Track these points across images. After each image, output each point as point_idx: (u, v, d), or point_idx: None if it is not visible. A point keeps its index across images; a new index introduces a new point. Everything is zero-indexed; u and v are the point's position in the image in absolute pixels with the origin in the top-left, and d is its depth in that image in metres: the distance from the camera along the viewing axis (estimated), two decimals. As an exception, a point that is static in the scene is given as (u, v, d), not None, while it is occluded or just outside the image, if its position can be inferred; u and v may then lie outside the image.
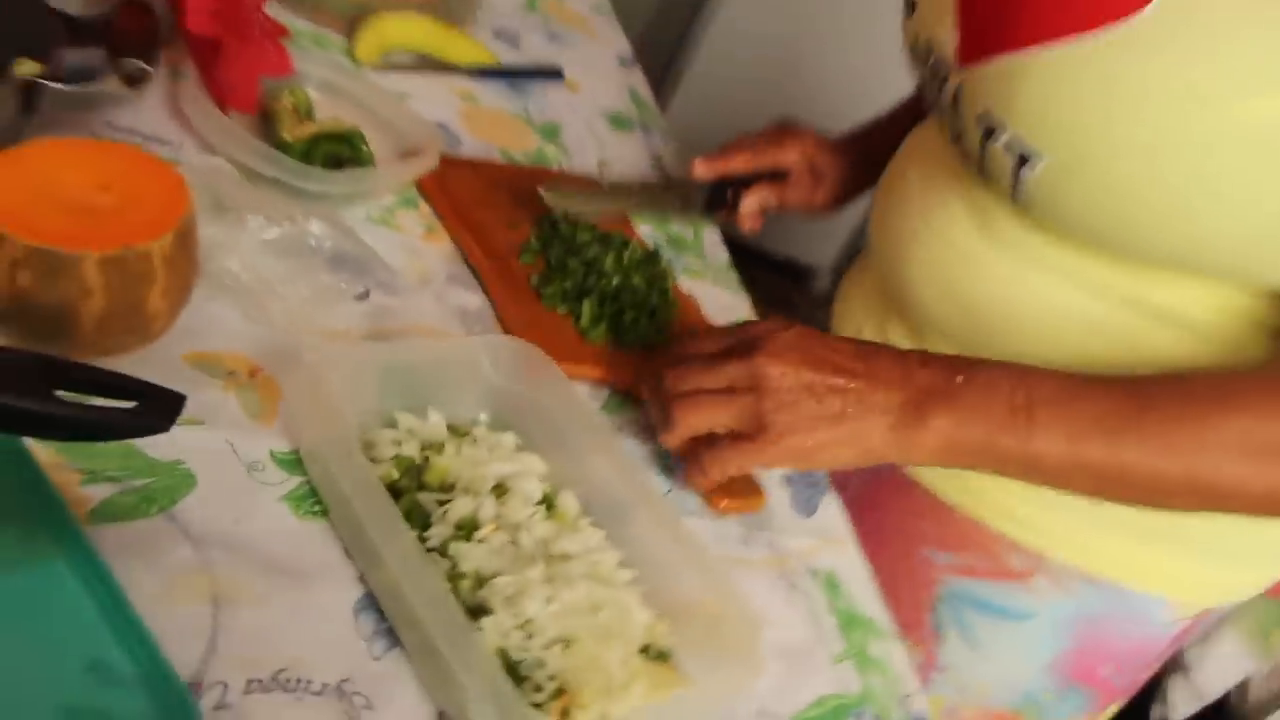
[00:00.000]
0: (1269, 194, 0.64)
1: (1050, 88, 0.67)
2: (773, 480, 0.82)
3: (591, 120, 1.21)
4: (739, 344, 0.70)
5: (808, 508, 0.83)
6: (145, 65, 0.67)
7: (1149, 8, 0.62)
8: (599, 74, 1.33)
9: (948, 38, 0.76)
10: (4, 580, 0.48)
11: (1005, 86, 0.70)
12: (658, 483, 0.76)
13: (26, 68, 0.66)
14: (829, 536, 0.82)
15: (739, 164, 1.01)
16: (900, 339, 0.87)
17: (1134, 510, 0.74)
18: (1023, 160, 0.69)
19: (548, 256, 0.89)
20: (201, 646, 0.51)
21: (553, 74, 1.24)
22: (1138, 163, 0.65)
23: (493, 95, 1.15)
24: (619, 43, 1.47)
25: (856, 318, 0.94)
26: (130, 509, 0.55)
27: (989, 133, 0.71)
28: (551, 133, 1.14)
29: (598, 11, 1.53)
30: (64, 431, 0.48)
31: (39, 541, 0.50)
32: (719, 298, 1.01)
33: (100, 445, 0.57)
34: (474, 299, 0.83)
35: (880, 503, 0.91)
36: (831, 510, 0.84)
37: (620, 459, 0.68)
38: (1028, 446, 0.66)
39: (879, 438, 0.67)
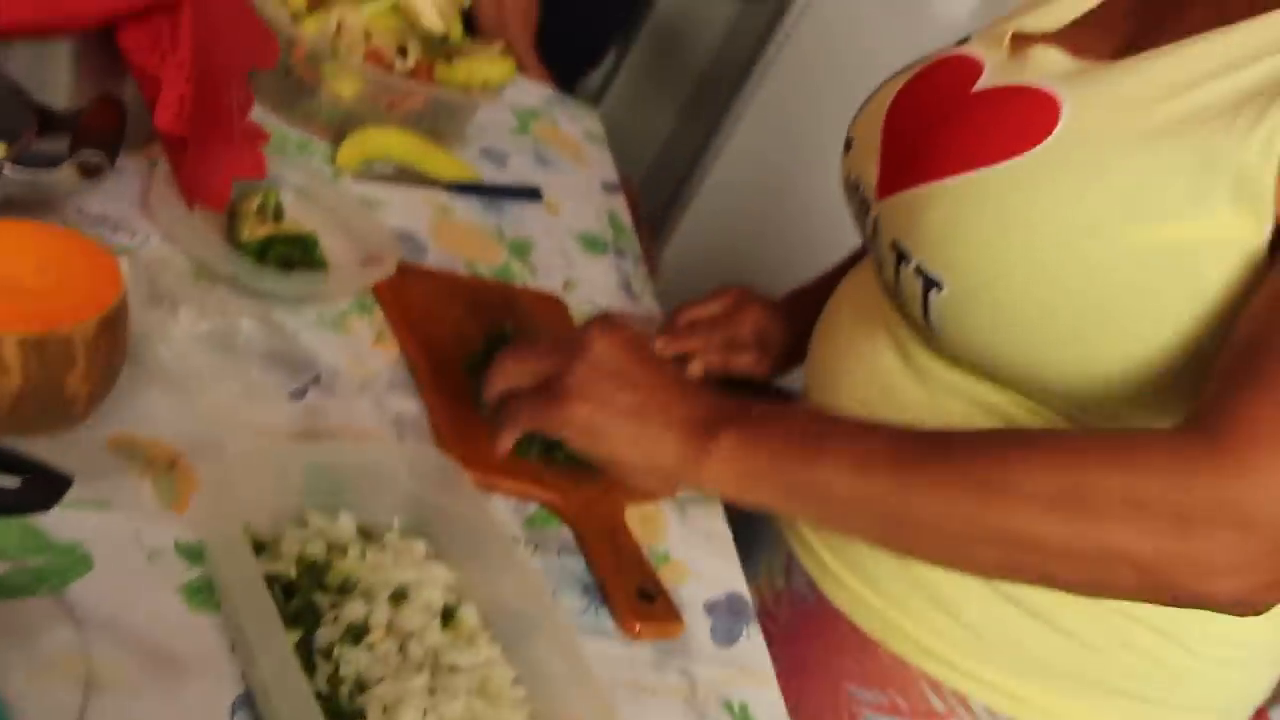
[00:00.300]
0: (1154, 322, 0.66)
1: (950, 216, 0.71)
2: (695, 608, 0.82)
3: (564, 240, 1.24)
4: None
5: (728, 637, 0.82)
6: (104, 157, 0.69)
7: (1041, 145, 0.67)
8: (580, 197, 1.37)
9: (872, 173, 0.81)
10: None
11: (912, 216, 0.74)
12: (572, 603, 0.76)
13: (-7, 151, 0.69)
14: (747, 667, 0.81)
15: (695, 345, 1.04)
16: None
17: (1062, 656, 0.74)
18: (929, 286, 0.72)
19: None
20: (65, 731, 0.51)
21: (531, 194, 1.27)
22: (1029, 289, 0.67)
23: (468, 210, 1.18)
24: (606, 170, 1.51)
25: None
26: (19, 587, 0.55)
27: (900, 259, 0.75)
28: (521, 249, 1.17)
29: (590, 139, 1.57)
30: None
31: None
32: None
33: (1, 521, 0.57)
34: (411, 406, 0.84)
35: (804, 635, 0.90)
36: (753, 641, 0.84)
37: (529, 576, 0.68)
38: (813, 473, 0.64)
39: (670, 450, 0.67)
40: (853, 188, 0.85)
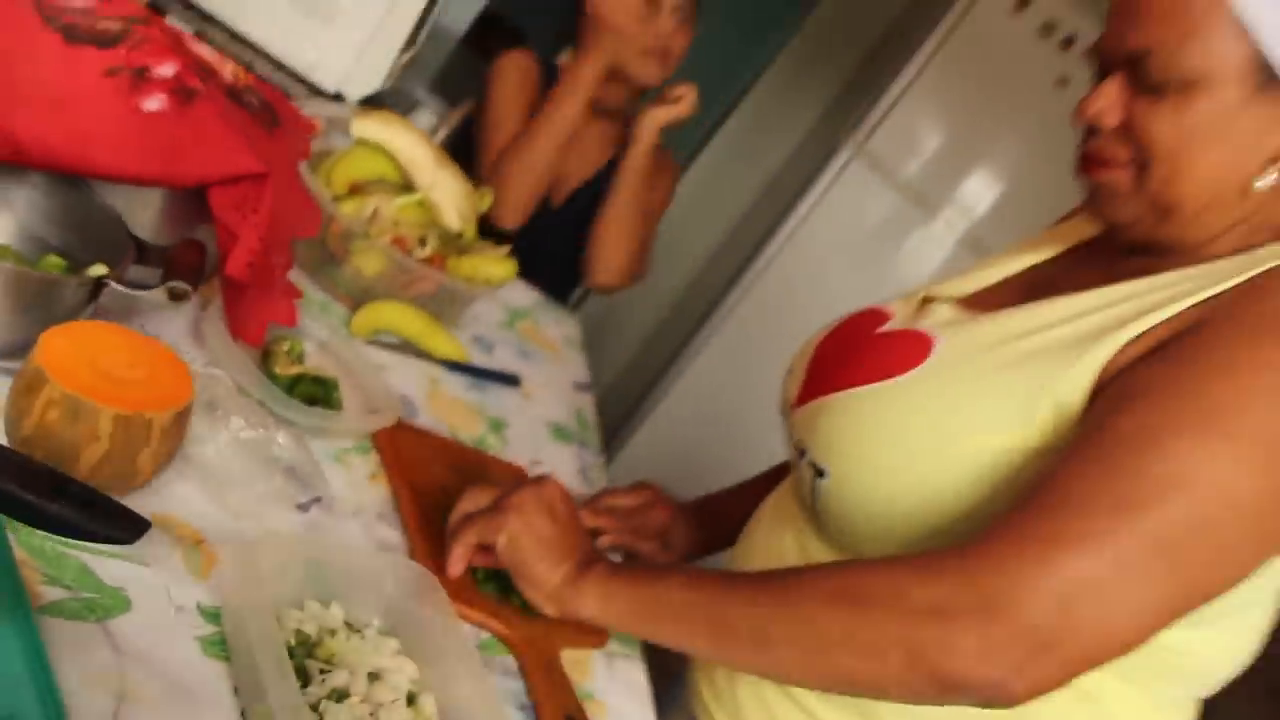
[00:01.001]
0: (981, 513, 0.82)
1: (835, 419, 0.90)
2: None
3: (536, 425, 1.40)
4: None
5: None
6: (187, 287, 0.85)
7: (910, 372, 0.87)
8: (554, 390, 1.54)
9: (795, 391, 1.00)
10: (-35, 633, 0.60)
11: (812, 420, 0.93)
12: (511, 715, 0.88)
13: (97, 269, 0.85)
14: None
15: (606, 523, 1.18)
16: None
17: None
18: (817, 474, 0.90)
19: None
20: (100, 728, 0.62)
21: (511, 380, 1.44)
22: (887, 477, 0.85)
23: (456, 385, 1.34)
24: (579, 371, 1.68)
25: None
26: (74, 612, 0.67)
27: (801, 455, 0.93)
28: (498, 426, 1.32)
29: (568, 343, 1.76)
30: (52, 526, 0.62)
31: (-2, 613, 0.63)
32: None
33: (64, 558, 0.70)
34: (394, 537, 0.98)
35: None
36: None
37: (483, 685, 0.80)
38: (654, 590, 0.85)
39: (559, 574, 0.90)
40: (783, 404, 1.04)
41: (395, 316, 1.31)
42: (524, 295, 1.81)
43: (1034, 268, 1.02)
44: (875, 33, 3.91)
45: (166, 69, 0.93)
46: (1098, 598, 0.71)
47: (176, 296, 0.84)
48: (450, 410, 1.28)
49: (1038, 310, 0.88)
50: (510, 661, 0.93)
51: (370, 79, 1.73)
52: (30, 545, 0.69)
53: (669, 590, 0.84)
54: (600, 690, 0.98)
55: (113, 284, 0.83)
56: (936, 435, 0.84)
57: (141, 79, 0.91)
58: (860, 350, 0.97)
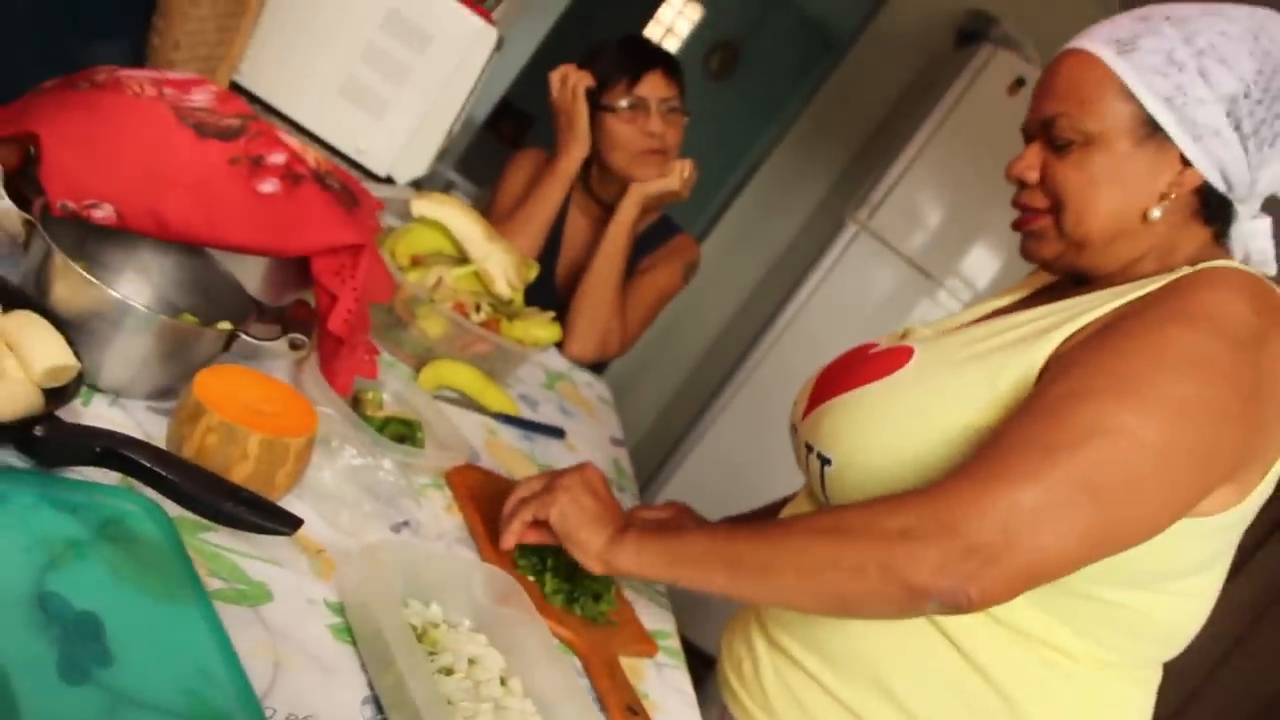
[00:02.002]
0: None
1: (837, 415, 1.08)
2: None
3: (580, 471, 1.54)
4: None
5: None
6: (305, 339, 1.01)
7: (894, 374, 1.06)
8: (593, 443, 1.69)
9: (802, 410, 1.18)
10: (162, 606, 0.75)
11: (818, 421, 1.12)
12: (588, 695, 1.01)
13: (224, 325, 1.01)
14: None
15: None
16: (760, 646, 1.19)
17: None
18: (824, 464, 1.07)
19: (526, 544, 1.18)
20: (264, 687, 0.76)
21: (557, 432, 1.59)
22: (880, 458, 1.02)
23: (509, 436, 1.50)
24: (613, 426, 1.84)
25: (732, 635, 1.26)
26: (233, 598, 0.82)
27: (809, 452, 1.11)
28: (548, 471, 1.47)
29: (602, 402, 1.91)
30: (229, 521, 0.77)
31: (179, 592, 0.77)
32: (647, 608, 1.29)
33: (219, 557, 0.85)
34: (471, 557, 1.12)
35: None
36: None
37: (563, 673, 0.93)
38: (679, 542, 1.01)
39: (602, 538, 1.05)
40: (792, 428, 1.22)
41: (456, 374, 1.46)
42: (559, 360, 1.97)
43: (1000, 308, 1.22)
44: (876, 115, 4.13)
45: (277, 157, 1.10)
46: (1032, 523, 0.87)
47: (296, 346, 1.00)
48: (506, 456, 1.43)
49: (997, 323, 1.08)
50: (576, 663, 1.07)
51: (417, 164, 1.91)
52: (193, 546, 0.84)
53: (690, 540, 1.01)
54: (652, 691, 1.12)
55: (243, 335, 0.98)
56: (920, 418, 1.02)
57: (258, 166, 1.08)
58: (853, 367, 1.15)
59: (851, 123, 4.13)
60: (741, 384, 3.52)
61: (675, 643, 1.25)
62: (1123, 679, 1.06)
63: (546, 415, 1.66)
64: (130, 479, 0.83)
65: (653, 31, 6.72)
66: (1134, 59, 1.00)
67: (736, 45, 6.56)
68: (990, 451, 0.91)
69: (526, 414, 1.59)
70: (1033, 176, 1.08)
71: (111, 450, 0.78)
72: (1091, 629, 1.03)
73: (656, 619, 1.28)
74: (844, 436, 1.07)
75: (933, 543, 0.87)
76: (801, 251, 3.88)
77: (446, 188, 3.28)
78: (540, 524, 1.11)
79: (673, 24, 7.04)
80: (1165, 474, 0.90)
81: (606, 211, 2.06)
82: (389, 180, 1.90)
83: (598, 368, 2.08)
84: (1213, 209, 1.04)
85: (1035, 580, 0.90)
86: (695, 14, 7.03)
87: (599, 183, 2.09)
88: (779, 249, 4.18)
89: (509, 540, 1.10)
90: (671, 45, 6.61)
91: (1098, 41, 1.03)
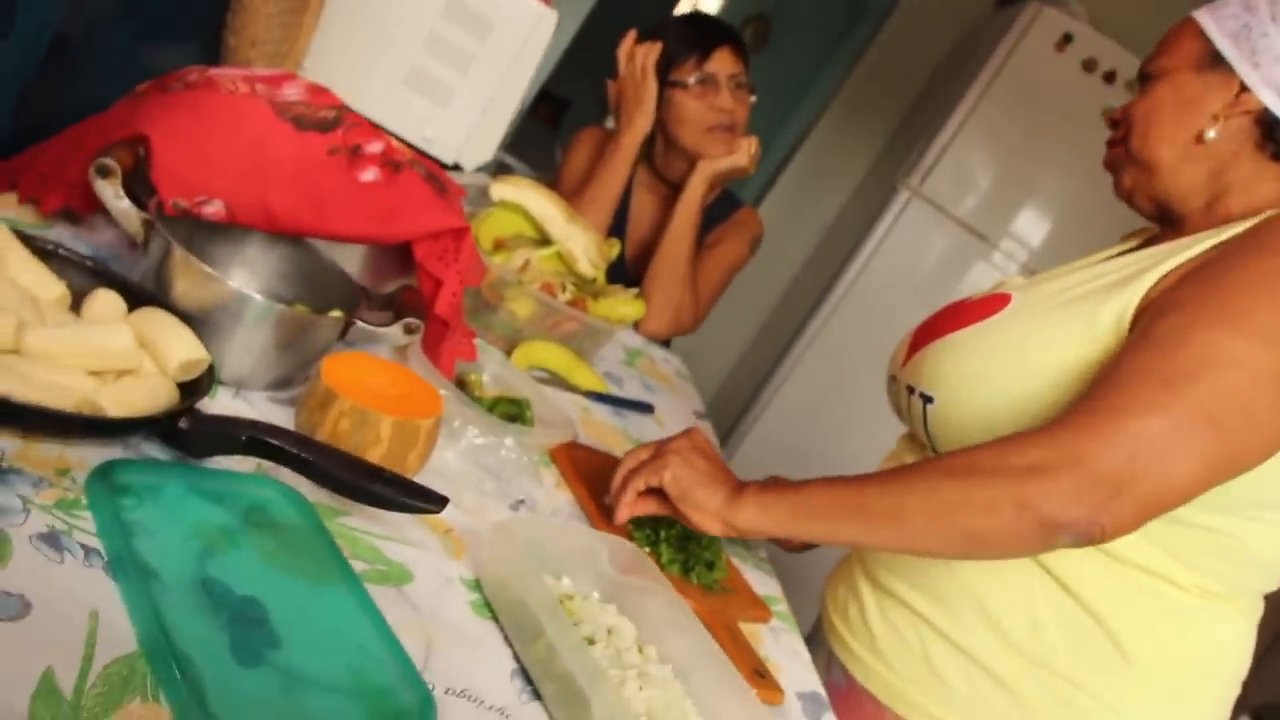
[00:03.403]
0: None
1: (939, 356, 1.11)
2: (789, 693, 1.07)
3: (672, 445, 1.55)
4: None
5: (814, 716, 1.07)
6: (420, 323, 1.02)
7: (995, 316, 1.09)
8: (679, 417, 1.69)
9: (902, 358, 1.21)
10: (315, 589, 0.76)
11: (919, 364, 1.14)
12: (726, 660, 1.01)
13: (336, 313, 1.02)
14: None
15: None
16: (866, 590, 1.21)
17: (1012, 711, 1.06)
18: (926, 402, 1.09)
19: (638, 516, 1.19)
20: (420, 663, 0.77)
21: (647, 408, 1.60)
22: (985, 393, 1.05)
23: (601, 412, 1.50)
24: (695, 400, 1.84)
25: (836, 582, 1.28)
26: (377, 579, 0.83)
27: (910, 393, 1.14)
28: (642, 446, 1.47)
29: (680, 376, 1.92)
30: (378, 501, 0.78)
31: (329, 575, 0.78)
32: (754, 575, 1.29)
33: (359, 540, 0.86)
34: (585, 528, 1.13)
35: (841, 710, 1.17)
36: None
37: (700, 639, 0.93)
38: (802, 494, 1.01)
39: (719, 497, 1.05)
40: (891, 379, 1.25)
41: (547, 354, 1.47)
42: (635, 337, 1.97)
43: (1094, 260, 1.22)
44: (919, 80, 4.09)
45: (375, 146, 1.11)
46: (1157, 451, 0.89)
47: (411, 331, 1.01)
48: (602, 433, 1.43)
49: (1094, 268, 1.11)
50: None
51: (483, 150, 1.92)
52: (333, 530, 0.85)
53: (813, 492, 1.01)
54: (771, 654, 1.12)
55: (359, 323, 0.99)
56: (1019, 354, 1.05)
57: (356, 155, 1.09)
58: (954, 314, 1.19)
59: (894, 90, 4.10)
60: (802, 353, 3.51)
61: (785, 607, 1.26)
62: (1223, 607, 1.06)
63: (631, 391, 1.67)
64: (264, 467, 0.85)
65: (682, 9, 6.70)
66: (1217, 11, 1.09)
67: (768, 18, 6.52)
68: (1109, 384, 0.92)
69: (614, 391, 1.60)
70: (1117, 114, 1.18)
71: (257, 439, 0.79)
72: (1190, 555, 1.04)
73: (765, 585, 1.28)
74: (946, 375, 1.10)
75: (1064, 475, 0.88)
76: (853, 219, 3.86)
77: (505, 171, 3.29)
78: (652, 492, 1.11)
79: (700, 0, 7.02)
80: (1278, 399, 0.91)
81: (672, 189, 2.06)
82: (457, 168, 1.91)
83: (665, 342, 2.09)
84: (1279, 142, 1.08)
85: (1162, 508, 0.91)
86: (725, -12, 6.99)
87: (664, 160, 2.09)
88: (829, 218, 4.16)
89: (624, 513, 1.10)
90: (703, 22, 6.56)
91: (1204, 7, 1.12)
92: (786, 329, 3.72)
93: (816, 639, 1.29)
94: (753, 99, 2.05)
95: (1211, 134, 1.08)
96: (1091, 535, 0.89)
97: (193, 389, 0.84)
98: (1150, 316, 0.98)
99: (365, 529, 0.88)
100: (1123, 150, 1.16)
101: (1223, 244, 1.02)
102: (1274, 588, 1.09)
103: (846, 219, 4.01)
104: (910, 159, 3.53)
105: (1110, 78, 3.30)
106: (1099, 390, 0.93)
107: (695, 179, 1.97)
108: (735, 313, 3.94)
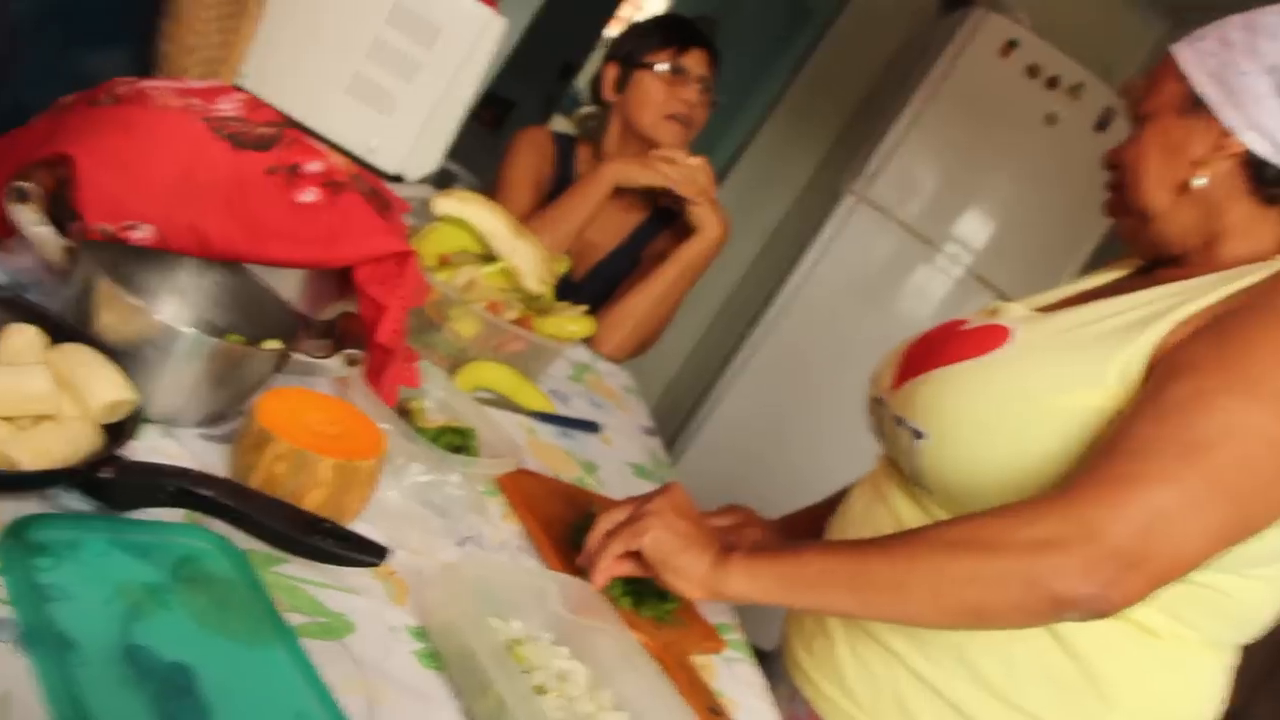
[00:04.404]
0: (1066, 464, 0.98)
1: (933, 389, 1.07)
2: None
3: (620, 467, 1.52)
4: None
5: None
6: (361, 353, 0.97)
7: (994, 351, 1.05)
8: (627, 435, 1.66)
9: (889, 381, 1.16)
10: (249, 650, 0.72)
11: (910, 394, 1.10)
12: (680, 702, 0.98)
13: (272, 344, 0.97)
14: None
15: None
16: (835, 624, 1.17)
17: None
18: (916, 436, 1.05)
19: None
20: (362, 724, 0.73)
21: (593, 427, 1.56)
22: (981, 435, 1.01)
23: (547, 433, 1.46)
24: (642, 416, 1.81)
25: (801, 613, 1.24)
26: (317, 633, 0.79)
27: (899, 424, 1.09)
28: (590, 468, 1.44)
29: (628, 391, 1.88)
30: (315, 555, 0.73)
31: (264, 634, 0.74)
32: (706, 603, 1.26)
33: (297, 590, 0.81)
34: (535, 566, 1.09)
35: None
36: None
37: (653, 679, 0.90)
38: (794, 564, 0.96)
39: (704, 564, 0.99)
40: (874, 400, 1.21)
41: (492, 375, 1.43)
42: (583, 352, 1.93)
43: (1089, 290, 1.20)
44: (864, 85, 4.09)
45: (315, 165, 1.06)
46: (1171, 525, 0.86)
47: (353, 362, 0.96)
48: (549, 455, 1.40)
49: (1097, 306, 1.07)
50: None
51: (428, 160, 1.87)
52: (268, 580, 0.80)
53: (808, 562, 0.96)
54: (726, 689, 1.09)
55: (297, 355, 0.95)
56: (1021, 397, 1.01)
57: (295, 175, 1.04)
58: (948, 343, 1.13)
59: (839, 95, 4.10)
60: (747, 360, 3.49)
61: (740, 635, 1.23)
62: (1205, 657, 1.05)
63: (578, 409, 1.63)
64: (195, 514, 0.80)
65: (626, 12, 6.65)
66: (1195, 45, 1.06)
67: (715, 19, 6.50)
68: (1121, 451, 0.89)
69: (560, 409, 1.56)
70: (1115, 159, 1.14)
71: (186, 490, 0.74)
72: (1178, 608, 1.02)
73: (718, 613, 1.25)
74: (941, 411, 1.05)
75: (1075, 550, 0.85)
76: (798, 225, 3.85)
77: (448, 180, 3.23)
78: (630, 555, 1.05)
79: (645, 1, 6.98)
80: None
81: (616, 189, 2.03)
82: (399, 179, 1.86)
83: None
84: (1270, 183, 1.05)
85: (1171, 580, 0.89)
86: (669, -10, 6.96)
87: (618, 152, 2.05)
88: (774, 223, 4.15)
89: (600, 579, 1.04)
90: (647, 21, 6.52)
91: (1182, 40, 1.09)
92: (731, 336, 3.70)
93: (777, 670, 1.25)
94: (714, 106, 2.05)
95: (1198, 181, 1.05)
96: (1101, 611, 0.87)
97: (117, 432, 0.79)
98: (1163, 375, 0.95)
99: (304, 577, 0.83)
100: (1119, 199, 1.13)
101: (1233, 296, 0.99)
102: (1250, 640, 1.07)
103: (791, 224, 4.01)
104: (855, 164, 3.52)
105: (1053, 83, 3.32)
106: (1111, 457, 0.90)
107: (608, 175, 1.94)
108: (679, 320, 3.91)
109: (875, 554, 0.93)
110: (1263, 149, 1.02)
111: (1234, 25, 1.04)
